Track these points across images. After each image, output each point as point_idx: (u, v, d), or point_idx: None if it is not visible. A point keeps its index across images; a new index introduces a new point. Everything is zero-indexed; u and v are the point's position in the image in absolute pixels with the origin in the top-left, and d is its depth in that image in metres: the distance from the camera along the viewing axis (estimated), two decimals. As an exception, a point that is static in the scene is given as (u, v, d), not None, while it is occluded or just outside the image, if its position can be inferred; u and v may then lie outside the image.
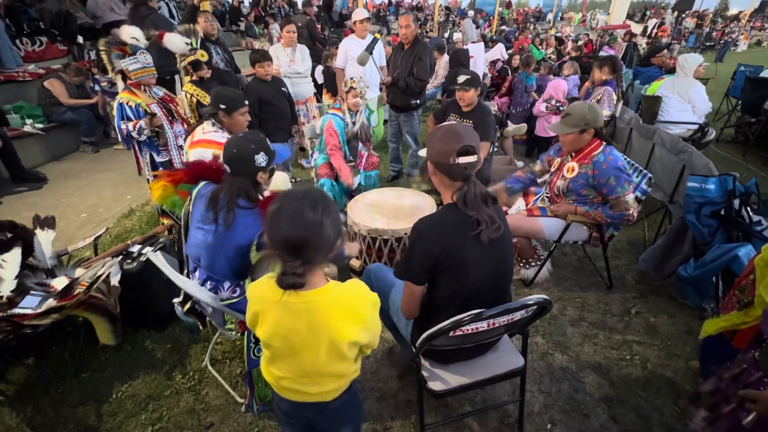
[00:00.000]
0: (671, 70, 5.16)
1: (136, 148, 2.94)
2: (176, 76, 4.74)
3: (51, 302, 1.96)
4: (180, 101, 3.14)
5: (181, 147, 2.97)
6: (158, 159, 2.95)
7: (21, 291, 2.01)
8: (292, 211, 1.00)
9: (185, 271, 1.88)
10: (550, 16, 20.49)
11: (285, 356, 1.13)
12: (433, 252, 1.33)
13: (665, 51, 5.99)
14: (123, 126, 2.73)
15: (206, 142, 2.29)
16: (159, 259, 1.69)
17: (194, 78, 3.53)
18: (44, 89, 5.00)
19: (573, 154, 2.39)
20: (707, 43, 17.19)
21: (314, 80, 4.92)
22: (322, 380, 1.14)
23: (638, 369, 2.07)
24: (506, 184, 2.71)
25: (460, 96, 3.11)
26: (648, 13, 21.46)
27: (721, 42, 16.32)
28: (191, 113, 3.26)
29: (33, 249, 2.21)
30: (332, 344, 1.07)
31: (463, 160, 1.32)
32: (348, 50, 4.12)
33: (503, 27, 15.58)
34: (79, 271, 2.24)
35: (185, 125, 3.02)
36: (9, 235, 2.15)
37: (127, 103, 2.73)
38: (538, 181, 2.72)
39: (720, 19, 22.62)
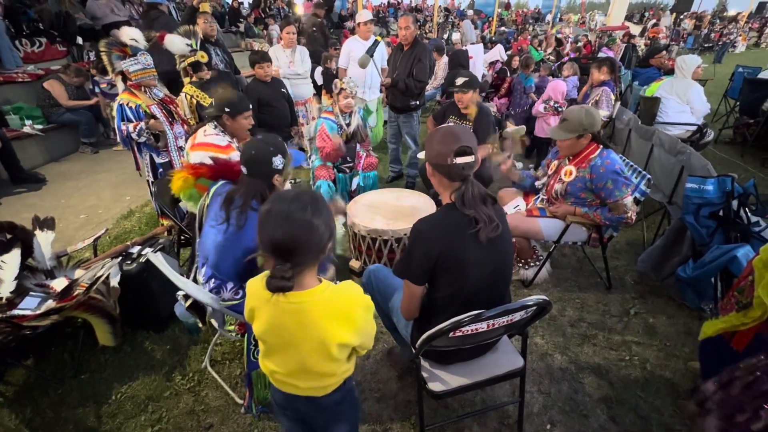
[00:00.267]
0: (670, 72, 5.16)
1: (135, 148, 2.94)
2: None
3: (50, 303, 1.96)
4: (180, 102, 3.14)
5: (181, 148, 2.97)
6: (158, 160, 2.95)
7: (20, 292, 2.01)
8: (281, 213, 1.00)
9: (195, 266, 1.88)
10: (549, 17, 20.53)
11: (277, 351, 1.15)
12: (433, 252, 1.34)
13: (664, 52, 6.00)
14: (123, 127, 2.73)
15: (207, 146, 2.28)
16: (159, 260, 1.69)
17: (194, 79, 3.54)
18: (43, 90, 5.00)
19: (570, 158, 2.40)
20: (705, 45, 17.25)
21: (314, 81, 4.92)
22: (312, 376, 1.15)
23: (637, 370, 2.07)
24: (522, 174, 2.72)
25: (458, 98, 3.12)
26: (647, 14, 21.52)
27: (720, 43, 16.37)
28: (191, 114, 3.26)
29: (32, 250, 2.21)
30: (321, 345, 1.08)
31: (460, 160, 1.33)
32: (350, 51, 4.13)
33: (502, 28, 15.62)
34: (78, 273, 2.24)
35: (185, 126, 3.02)
36: (8, 236, 2.14)
37: (127, 104, 2.73)
38: (536, 184, 2.72)
39: (718, 21, 22.70)
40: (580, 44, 10.59)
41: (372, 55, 3.56)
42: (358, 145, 3.45)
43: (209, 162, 1.91)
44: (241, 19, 10.59)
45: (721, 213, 2.24)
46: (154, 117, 2.79)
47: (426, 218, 1.42)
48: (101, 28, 6.54)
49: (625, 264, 2.93)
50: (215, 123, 2.37)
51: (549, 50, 10.24)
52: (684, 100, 4.01)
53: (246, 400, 1.84)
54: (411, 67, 3.64)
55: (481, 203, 1.36)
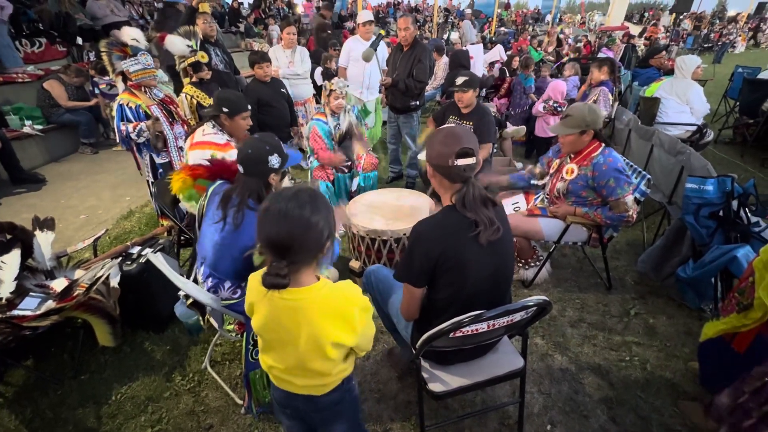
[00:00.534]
0: (669, 72, 5.17)
1: (135, 149, 2.94)
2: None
3: (50, 304, 1.96)
4: (180, 103, 3.14)
5: (181, 148, 2.97)
6: (158, 160, 2.95)
7: (20, 292, 2.01)
8: (278, 211, 0.99)
9: (195, 266, 1.88)
10: (548, 18, 20.55)
11: (274, 347, 1.15)
12: (433, 254, 1.34)
13: (663, 53, 6.01)
14: (123, 127, 2.73)
15: (206, 144, 2.29)
16: (159, 261, 1.69)
17: (194, 80, 3.54)
18: (43, 90, 5.00)
19: (572, 156, 2.40)
20: (705, 45, 17.26)
21: (313, 82, 4.92)
22: (308, 374, 1.15)
23: (637, 370, 2.07)
24: (511, 179, 2.74)
25: (458, 97, 3.12)
26: (646, 14, 21.53)
27: (719, 44, 16.38)
28: (191, 115, 3.26)
29: (32, 250, 2.21)
30: (315, 343, 1.07)
31: (462, 162, 1.32)
32: (351, 50, 4.13)
33: (502, 28, 15.61)
34: (78, 273, 2.23)
35: (185, 127, 3.02)
36: (8, 237, 2.14)
37: (127, 105, 2.73)
38: (539, 183, 2.73)
39: (718, 21, 22.71)
40: (580, 44, 10.59)
41: (376, 49, 3.57)
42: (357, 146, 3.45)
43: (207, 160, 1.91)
44: (241, 20, 10.60)
45: (721, 213, 2.24)
46: (157, 119, 2.79)
47: (426, 220, 1.41)
48: (101, 28, 6.54)
49: (625, 264, 2.93)
50: (213, 122, 2.37)
51: (550, 49, 10.24)
52: (684, 101, 4.01)
53: (246, 401, 1.84)
54: (411, 68, 3.64)
55: (482, 205, 1.36)
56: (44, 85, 4.99)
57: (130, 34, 2.76)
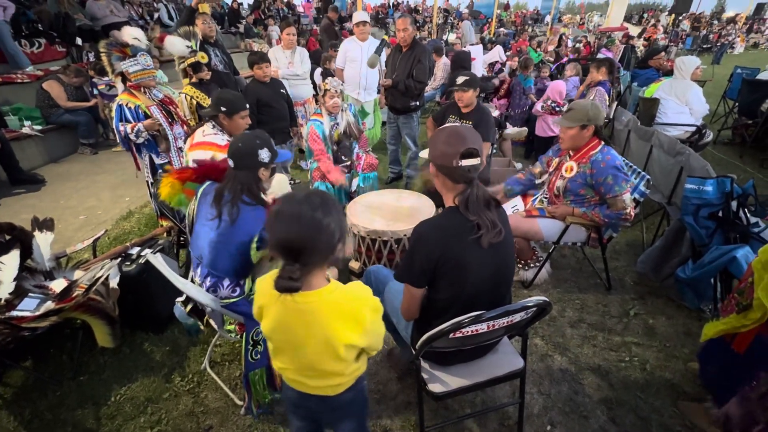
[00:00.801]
0: (669, 73, 5.18)
1: (134, 149, 2.93)
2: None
3: (49, 304, 1.95)
4: (180, 103, 3.14)
5: (180, 149, 2.97)
6: (157, 161, 2.95)
7: (19, 293, 2.00)
8: (291, 214, 1.00)
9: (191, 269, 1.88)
10: (548, 18, 20.58)
11: (285, 350, 1.15)
12: (433, 255, 1.33)
13: (662, 53, 6.01)
14: (122, 128, 2.73)
15: (206, 145, 2.29)
16: (158, 261, 1.69)
17: (193, 80, 3.54)
18: (43, 91, 4.99)
19: (571, 154, 2.42)
20: (704, 46, 17.30)
21: (313, 82, 4.92)
22: (321, 375, 1.15)
23: (637, 370, 2.08)
24: (506, 185, 2.75)
25: (458, 97, 3.13)
26: (645, 15, 21.57)
27: (718, 44, 16.42)
28: (191, 115, 3.26)
29: (31, 251, 2.20)
30: (328, 345, 1.08)
31: (466, 162, 1.31)
32: (347, 51, 4.13)
33: (502, 29, 15.63)
34: (77, 274, 2.23)
35: (185, 127, 3.02)
36: (7, 237, 2.14)
37: (126, 105, 2.73)
38: (537, 182, 2.74)
39: (716, 22, 22.76)
40: (580, 45, 10.61)
41: (380, 55, 3.57)
42: (356, 146, 3.45)
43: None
44: (241, 20, 10.61)
45: (720, 214, 2.25)
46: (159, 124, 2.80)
47: (427, 221, 1.41)
48: (101, 28, 6.54)
49: (624, 265, 2.94)
50: (213, 123, 2.37)
51: (550, 48, 10.26)
52: (683, 101, 4.02)
53: (246, 401, 1.83)
54: (410, 68, 3.64)
55: (484, 207, 1.35)
56: (43, 85, 4.98)
57: (131, 34, 2.76)
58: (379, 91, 4.18)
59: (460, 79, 3.07)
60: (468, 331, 1.34)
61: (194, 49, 3.35)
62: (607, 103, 4.15)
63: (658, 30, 14.04)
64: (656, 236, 3.04)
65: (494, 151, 3.98)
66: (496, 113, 4.74)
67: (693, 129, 3.99)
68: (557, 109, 4.31)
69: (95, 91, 5.52)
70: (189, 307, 1.81)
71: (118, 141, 2.85)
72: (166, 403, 1.95)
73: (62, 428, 1.85)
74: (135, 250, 2.33)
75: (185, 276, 1.85)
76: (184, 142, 2.65)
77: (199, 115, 3.24)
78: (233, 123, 2.33)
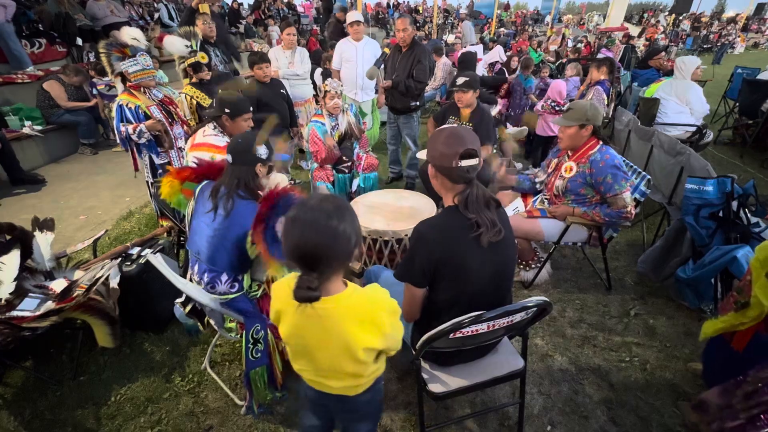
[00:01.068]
0: (669, 73, 5.18)
1: (134, 149, 2.93)
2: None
3: (50, 305, 1.95)
4: (180, 103, 3.14)
5: (180, 149, 2.97)
6: (157, 161, 2.95)
7: (20, 293, 2.01)
8: (306, 222, 0.98)
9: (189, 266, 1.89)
10: (548, 18, 20.58)
11: (303, 354, 1.16)
12: (434, 255, 1.33)
13: (663, 53, 6.02)
14: (122, 128, 2.73)
15: (206, 146, 2.28)
16: (158, 261, 1.69)
17: (194, 80, 3.54)
18: (43, 91, 4.99)
19: (570, 154, 2.42)
20: (704, 46, 17.28)
21: (313, 82, 4.92)
22: (341, 376, 1.15)
23: (637, 371, 2.07)
24: (519, 178, 2.76)
25: (458, 97, 3.13)
26: (645, 15, 21.56)
27: (719, 44, 16.40)
28: (191, 115, 3.26)
29: (32, 251, 2.21)
30: (347, 349, 1.08)
31: (465, 163, 1.31)
32: (342, 52, 4.13)
33: (502, 29, 15.63)
34: (77, 274, 2.23)
35: (185, 127, 3.02)
36: (8, 238, 2.14)
37: (126, 105, 2.73)
38: (536, 182, 2.74)
39: (716, 22, 22.75)
40: (580, 45, 10.60)
41: (379, 67, 3.57)
42: (357, 146, 3.45)
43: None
44: (241, 20, 10.61)
45: (720, 214, 2.25)
46: (159, 120, 2.80)
47: (427, 221, 1.41)
48: (101, 29, 6.54)
49: (625, 265, 2.93)
50: (214, 123, 2.37)
51: (552, 47, 10.25)
52: (683, 101, 4.02)
53: (247, 401, 1.84)
54: (410, 69, 3.63)
55: (484, 207, 1.35)
56: (44, 85, 4.98)
57: (131, 34, 2.76)
58: (376, 91, 4.17)
59: (460, 80, 3.07)
60: (468, 332, 1.34)
61: (194, 49, 3.35)
62: (605, 103, 4.14)
63: (658, 30, 14.03)
64: (657, 236, 3.04)
65: (494, 151, 3.97)
66: (495, 111, 4.74)
67: (693, 129, 3.99)
68: (557, 108, 4.32)
69: (94, 91, 5.52)
70: (188, 308, 1.82)
71: (118, 141, 2.85)
72: (166, 403, 1.95)
73: (62, 428, 1.85)
74: (135, 250, 2.33)
75: (185, 276, 1.86)
76: (185, 142, 2.65)
77: (199, 116, 3.24)
78: (236, 125, 2.33)
